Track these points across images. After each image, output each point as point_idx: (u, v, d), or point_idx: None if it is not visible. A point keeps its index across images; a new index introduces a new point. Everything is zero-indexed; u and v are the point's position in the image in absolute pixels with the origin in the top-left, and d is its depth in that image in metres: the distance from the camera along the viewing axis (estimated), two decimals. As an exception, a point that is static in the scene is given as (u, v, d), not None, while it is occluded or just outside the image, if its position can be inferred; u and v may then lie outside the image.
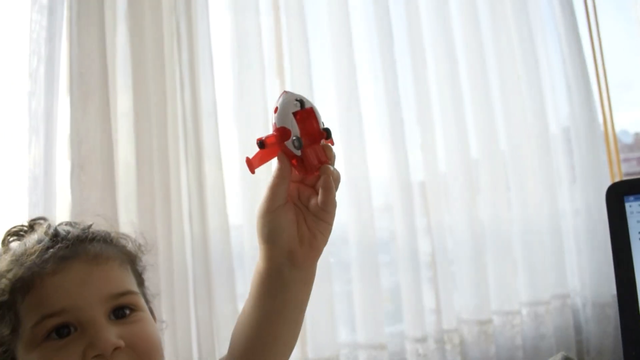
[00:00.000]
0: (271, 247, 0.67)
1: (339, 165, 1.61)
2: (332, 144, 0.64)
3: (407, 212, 1.65)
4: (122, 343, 0.67)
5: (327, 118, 1.61)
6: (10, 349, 0.69)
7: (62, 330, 0.66)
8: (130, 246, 0.79)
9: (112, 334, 0.67)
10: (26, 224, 0.80)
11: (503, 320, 1.80)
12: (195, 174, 1.36)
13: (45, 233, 0.72)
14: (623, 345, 0.78)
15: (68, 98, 1.26)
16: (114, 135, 1.28)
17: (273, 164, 0.66)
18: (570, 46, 2.07)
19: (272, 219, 0.66)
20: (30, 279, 0.68)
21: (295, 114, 0.61)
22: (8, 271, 0.69)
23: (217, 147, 1.40)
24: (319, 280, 1.47)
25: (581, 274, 2.01)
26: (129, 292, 0.72)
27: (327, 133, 0.62)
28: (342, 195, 1.58)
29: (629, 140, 2.69)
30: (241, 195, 1.45)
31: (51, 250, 0.69)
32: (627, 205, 0.80)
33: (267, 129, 1.48)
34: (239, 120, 1.47)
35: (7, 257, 0.72)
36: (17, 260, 0.70)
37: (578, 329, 1.97)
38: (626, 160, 2.57)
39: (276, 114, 0.62)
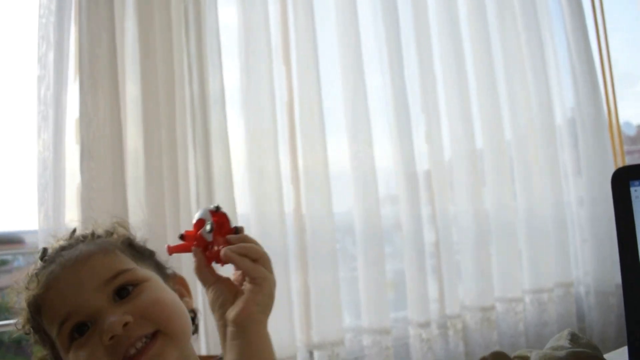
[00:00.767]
0: (216, 315, 0.75)
1: (345, 154, 1.62)
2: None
3: (412, 201, 1.64)
4: (129, 318, 0.69)
5: (333, 107, 1.60)
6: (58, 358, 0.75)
7: (82, 329, 0.71)
8: (119, 231, 0.82)
9: (115, 313, 0.70)
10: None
11: (506, 307, 1.80)
12: (203, 160, 1.34)
13: (39, 257, 0.78)
14: (627, 330, 0.77)
15: (77, 83, 1.26)
16: (123, 120, 1.27)
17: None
18: (576, 38, 2.06)
19: (209, 293, 0.75)
20: (36, 302, 0.74)
21: (211, 211, 0.75)
22: (26, 299, 0.76)
23: (224, 134, 1.38)
24: (325, 268, 1.48)
25: (585, 263, 2.00)
26: (120, 272, 0.74)
27: (236, 230, 0.75)
28: (348, 185, 1.59)
29: (632, 132, 2.67)
30: (248, 182, 1.44)
31: (40, 273, 0.74)
32: (632, 190, 0.79)
33: (273, 116, 1.47)
34: (246, 108, 1.46)
35: (22, 295, 0.77)
36: (23, 290, 0.76)
37: (581, 317, 1.96)
38: (629, 152, 2.55)
39: (196, 214, 0.75)
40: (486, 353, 0.79)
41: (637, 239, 0.77)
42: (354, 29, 1.61)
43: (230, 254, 0.72)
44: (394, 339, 1.57)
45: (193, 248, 0.75)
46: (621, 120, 2.41)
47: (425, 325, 1.60)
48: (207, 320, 1.28)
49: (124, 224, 0.84)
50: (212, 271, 0.75)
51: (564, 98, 2.08)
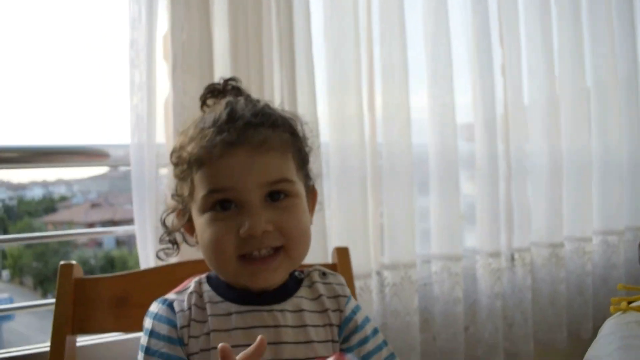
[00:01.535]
0: None
1: (424, 91, 1.59)
2: None
3: (488, 137, 1.62)
4: (270, 227, 0.75)
5: (414, 42, 1.53)
6: (188, 207, 0.82)
7: (225, 204, 0.76)
8: (299, 128, 0.83)
9: (263, 218, 0.74)
10: (220, 83, 0.89)
11: (575, 246, 1.77)
12: (288, 75, 1.34)
13: (224, 110, 0.79)
14: None
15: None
16: (212, 34, 1.29)
17: None
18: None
19: None
20: (202, 158, 0.76)
21: None
22: (189, 144, 0.79)
23: (309, 54, 1.38)
24: (399, 196, 1.48)
25: (657, 210, 1.94)
26: (285, 180, 0.78)
27: None
28: (425, 118, 1.57)
29: None
30: (328, 105, 1.45)
31: (220, 136, 0.75)
32: None
33: (357, 42, 1.45)
34: (329, 36, 1.44)
35: (192, 129, 0.80)
36: (195, 137, 0.78)
37: (650, 262, 1.92)
38: None
39: None
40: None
41: None
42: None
43: None
44: (463, 267, 1.58)
45: None
46: None
47: (495, 255, 1.60)
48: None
49: (300, 120, 0.85)
50: None
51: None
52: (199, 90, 0.93)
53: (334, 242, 1.38)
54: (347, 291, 0.86)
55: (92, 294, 1.12)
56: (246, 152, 0.75)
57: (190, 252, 1.00)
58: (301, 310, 0.79)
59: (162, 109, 1.30)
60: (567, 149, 1.77)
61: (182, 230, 0.87)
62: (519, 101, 1.70)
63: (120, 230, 1.44)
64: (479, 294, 1.62)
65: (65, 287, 1.09)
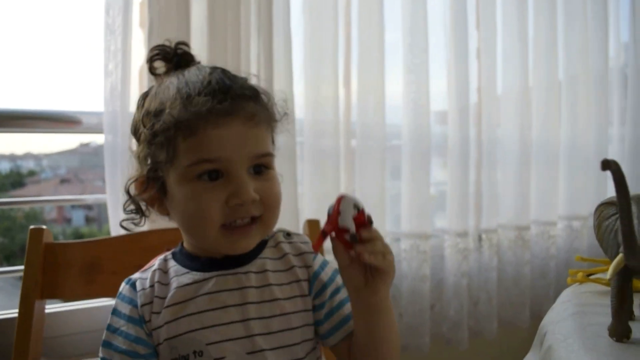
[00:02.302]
0: (350, 289, 0.78)
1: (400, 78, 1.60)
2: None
3: (461, 121, 1.64)
4: (257, 197, 0.76)
5: (392, 25, 1.53)
6: (161, 175, 0.78)
7: (213, 174, 0.75)
8: (276, 107, 0.83)
9: (251, 188, 0.75)
10: (171, 46, 0.84)
11: (541, 229, 1.81)
12: (266, 51, 1.33)
13: (209, 78, 0.76)
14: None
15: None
16: (191, 3, 1.28)
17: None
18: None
19: (343, 275, 0.78)
20: (194, 125, 0.73)
21: (354, 218, 0.73)
22: (172, 108, 0.74)
23: (287, 26, 1.38)
24: (372, 173, 1.50)
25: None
26: (268, 154, 0.79)
27: (369, 222, 0.74)
28: (399, 102, 1.58)
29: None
30: (304, 81, 1.45)
31: (215, 103, 0.73)
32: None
33: (335, 22, 1.45)
34: (308, 11, 1.45)
35: (171, 92, 0.76)
36: (183, 101, 0.74)
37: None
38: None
39: (340, 217, 0.73)
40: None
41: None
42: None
43: (371, 257, 0.73)
44: (432, 246, 1.60)
45: (334, 246, 0.76)
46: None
47: (463, 235, 1.63)
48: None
49: (272, 98, 0.84)
50: (348, 256, 0.75)
51: (621, 45, 2.04)
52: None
53: (306, 217, 1.39)
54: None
55: (62, 259, 1.11)
56: (240, 123, 0.75)
57: (159, 221, 0.99)
58: (265, 271, 0.81)
59: (137, 77, 1.29)
60: (536, 137, 1.81)
61: (144, 201, 0.83)
62: (493, 90, 1.72)
63: (91, 198, 1.43)
64: (445, 272, 1.64)
65: (35, 252, 1.08)
